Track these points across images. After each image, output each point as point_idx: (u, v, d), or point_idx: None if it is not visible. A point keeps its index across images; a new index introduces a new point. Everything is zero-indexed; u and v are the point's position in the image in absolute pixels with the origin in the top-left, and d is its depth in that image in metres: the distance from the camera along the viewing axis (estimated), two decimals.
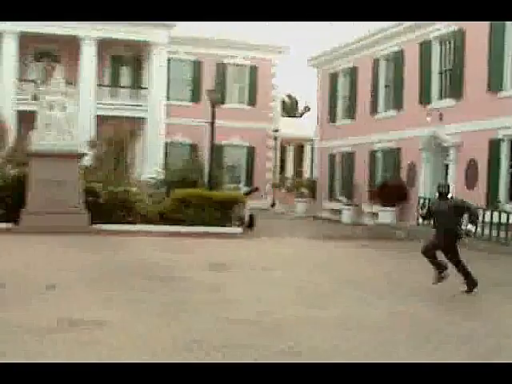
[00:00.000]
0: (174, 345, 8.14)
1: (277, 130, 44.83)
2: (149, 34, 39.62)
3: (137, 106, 40.78)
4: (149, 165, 38.17)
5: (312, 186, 39.52)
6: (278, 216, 36.84)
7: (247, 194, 29.74)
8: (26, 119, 33.92)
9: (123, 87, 42.44)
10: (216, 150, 31.14)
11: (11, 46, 38.38)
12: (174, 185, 27.35)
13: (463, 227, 12.75)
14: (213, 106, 28.88)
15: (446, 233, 12.64)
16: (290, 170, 49.05)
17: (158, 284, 12.60)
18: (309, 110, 61.82)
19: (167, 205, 25.16)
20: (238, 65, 44.09)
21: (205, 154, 35.68)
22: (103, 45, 39.63)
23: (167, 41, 40.06)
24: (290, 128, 47.14)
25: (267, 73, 44.49)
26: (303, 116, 65.67)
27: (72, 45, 39.49)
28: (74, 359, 7.29)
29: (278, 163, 46.33)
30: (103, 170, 27.74)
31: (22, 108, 37.16)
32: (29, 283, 12.23)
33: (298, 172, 49.26)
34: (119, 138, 31.31)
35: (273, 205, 42.80)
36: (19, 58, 38.97)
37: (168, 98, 40.90)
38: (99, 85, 40.38)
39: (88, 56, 39.24)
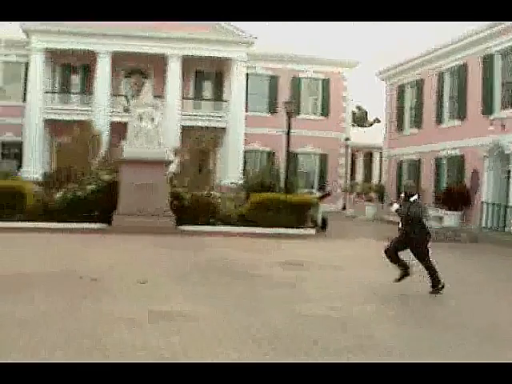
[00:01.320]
0: (254, 337, 8.14)
1: (348, 139, 44.59)
2: (229, 51, 39.96)
3: (218, 117, 41.10)
4: (229, 171, 38.46)
5: (380, 191, 39.17)
6: (349, 219, 36.57)
7: (320, 198, 29.59)
8: (118, 129, 34.55)
9: (206, 100, 42.84)
10: (291, 157, 31.08)
11: (105, 64, 39.17)
12: (252, 189, 27.38)
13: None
14: (289, 117, 28.84)
15: (413, 236, 12.10)
16: (359, 176, 48.73)
17: (238, 281, 12.63)
18: (379, 121, 61.21)
19: (246, 208, 25.23)
20: (311, 78, 43.99)
21: (281, 161, 35.71)
22: (188, 61, 40.09)
23: (246, 57, 40.30)
24: (359, 137, 46.88)
25: (338, 85, 44.27)
26: (372, 126, 65.07)
27: (159, 62, 40.09)
28: (162, 349, 7.38)
29: (349, 169, 46.06)
30: (188, 176, 28.00)
31: (114, 119, 37.89)
32: (121, 278, 12.41)
33: (367, 178, 48.86)
34: (202, 147, 31.57)
35: (344, 208, 42.52)
36: (112, 75, 39.72)
37: (247, 110, 41.10)
38: (184, 97, 40.85)
39: (174, 72, 39.75)
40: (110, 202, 23.63)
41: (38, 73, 38.90)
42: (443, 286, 11.98)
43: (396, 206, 12.76)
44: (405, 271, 12.24)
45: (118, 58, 39.54)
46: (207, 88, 43.46)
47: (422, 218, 12.12)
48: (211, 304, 10.16)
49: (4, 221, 23.26)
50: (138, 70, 41.94)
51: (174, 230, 22.83)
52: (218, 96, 42.87)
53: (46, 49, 39.01)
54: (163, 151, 24.75)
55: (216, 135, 35.47)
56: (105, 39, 38.51)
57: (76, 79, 42.25)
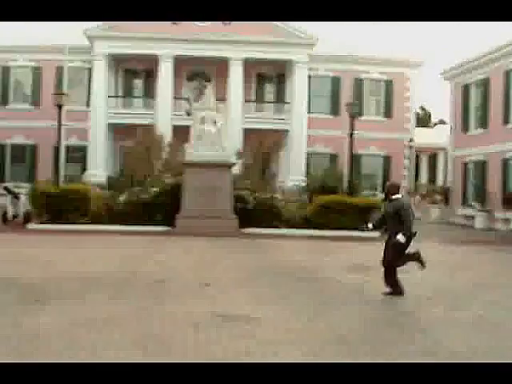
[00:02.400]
0: (320, 339, 8.07)
1: (412, 140, 44.05)
2: (291, 53, 39.94)
3: (280, 119, 41.08)
4: (292, 173, 38.41)
5: (445, 193, 38.61)
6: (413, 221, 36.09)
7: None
8: (180, 133, 34.81)
9: (268, 102, 42.87)
10: (354, 159, 30.85)
11: (167, 68, 39.58)
12: (315, 191, 27.30)
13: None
14: (352, 118, 28.66)
15: (391, 236, 11.49)
16: (423, 178, 48.07)
17: (302, 283, 12.56)
18: (443, 122, 60.32)
19: (310, 210, 25.16)
20: (373, 79, 43.63)
21: (343, 163, 35.51)
22: (249, 64, 40.20)
23: (308, 59, 40.22)
24: (423, 138, 46.20)
25: (402, 86, 43.78)
26: (436, 127, 64.16)
27: (221, 65, 40.31)
28: (227, 352, 7.36)
29: (413, 171, 45.50)
30: (250, 179, 28.05)
31: (176, 123, 38.19)
32: (186, 280, 12.47)
33: (432, 179, 48.19)
34: (264, 149, 31.59)
35: None
36: (174, 79, 40.11)
37: (309, 112, 41.00)
38: (246, 100, 40.96)
39: (236, 74, 39.91)
40: (174, 204, 23.85)
41: (102, 78, 39.55)
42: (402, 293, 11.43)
43: (370, 225, 12.49)
44: (419, 261, 11.76)
45: (180, 62, 39.93)
46: (269, 90, 43.51)
47: (402, 214, 11.29)
48: (275, 306, 10.12)
49: (70, 223, 23.76)
50: (200, 74, 42.27)
51: (237, 233, 22.90)
52: (280, 98, 42.86)
53: (109, 54, 39.64)
54: (226, 154, 24.86)
55: (278, 138, 35.44)
56: (167, 43, 38.92)
57: (139, 83, 42.80)
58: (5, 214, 26.35)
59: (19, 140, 42.05)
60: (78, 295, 10.61)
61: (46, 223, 24.33)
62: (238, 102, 39.84)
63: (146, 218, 24.19)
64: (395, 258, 11.42)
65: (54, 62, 40.11)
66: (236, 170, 27.28)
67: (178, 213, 23.71)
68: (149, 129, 33.01)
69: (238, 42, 39.10)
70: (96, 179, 34.16)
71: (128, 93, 42.68)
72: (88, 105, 40.26)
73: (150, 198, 24.59)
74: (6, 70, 42.44)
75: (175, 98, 40.50)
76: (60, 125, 27.10)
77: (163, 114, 39.00)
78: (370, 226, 12.44)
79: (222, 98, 35.69)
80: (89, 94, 40.56)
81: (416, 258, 11.78)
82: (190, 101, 39.21)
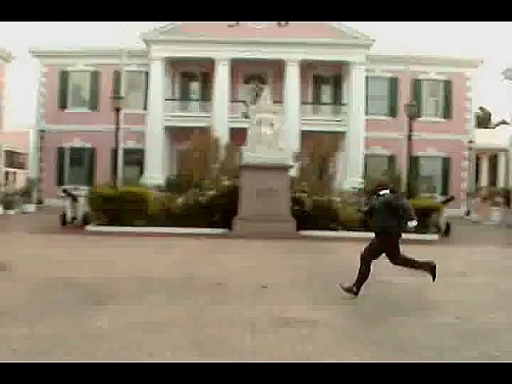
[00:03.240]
0: (377, 344, 7.95)
1: (472, 141, 43.43)
2: (348, 54, 39.78)
3: (337, 121, 40.94)
4: (349, 175, 38.24)
5: (507, 195, 37.87)
6: (473, 224, 35.57)
7: (444, 202, 28.88)
8: (237, 135, 34.93)
9: (324, 104, 42.75)
10: (412, 161, 30.50)
11: (224, 71, 39.78)
12: (373, 194, 27.05)
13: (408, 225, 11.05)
14: (410, 120, 28.34)
15: (378, 231, 11.27)
16: (484, 180, 47.31)
17: (364, 287, 12.43)
18: (505, 123, 59.23)
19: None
20: (432, 79, 43.15)
21: (401, 165, 35.16)
22: (306, 66, 40.14)
23: (365, 60, 39.97)
24: (483, 139, 45.46)
25: (461, 86, 43.22)
26: (497, 127, 63.05)
27: (278, 67, 40.37)
28: (284, 355, 7.30)
29: (473, 173, 44.82)
30: (308, 181, 27.96)
31: (233, 125, 38.37)
32: (243, 283, 12.45)
33: (493, 181, 47.39)
34: (321, 151, 31.46)
35: (468, 213, 41.37)
36: (231, 81, 40.28)
37: (366, 113, 40.74)
38: (303, 102, 40.90)
39: (292, 77, 39.93)
40: (231, 207, 23.90)
41: (159, 81, 39.98)
42: (356, 293, 11.14)
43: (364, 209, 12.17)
44: (430, 268, 11.57)
45: (236, 65, 40.11)
46: (326, 92, 43.40)
47: (403, 204, 11.12)
48: (333, 310, 10.02)
49: (128, 225, 23.99)
50: (256, 76, 42.39)
51: (294, 235, 22.82)
52: (336, 100, 42.72)
53: (166, 57, 40.01)
54: (283, 156, 24.80)
55: (335, 139, 35.26)
56: (223, 46, 39.13)
57: (195, 86, 43.15)
58: (64, 216, 26.75)
59: (78, 143, 42.85)
60: (136, 296, 10.68)
61: (104, 225, 24.62)
62: (295, 104, 39.84)
63: (203, 221, 24.30)
64: (394, 250, 11.33)
65: (111, 66, 40.77)
66: (293, 172, 27.20)
67: (235, 215, 23.75)
68: (205, 131, 33.20)
69: (294, 43, 39.09)
70: (153, 182, 34.49)
71: (185, 96, 43.05)
72: (145, 108, 40.70)
73: (207, 201, 24.71)
74: (65, 74, 43.28)
75: (232, 100, 40.66)
76: (118, 128, 27.43)
77: (220, 117, 39.21)
78: (363, 210, 12.22)
79: (278, 100, 35.69)
80: (146, 97, 41.06)
81: (429, 268, 11.63)
82: (246, 103, 39.33)
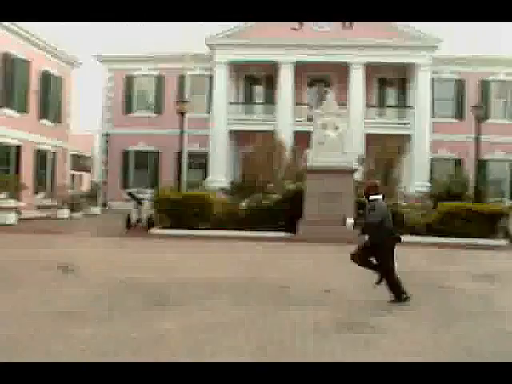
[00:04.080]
0: (445, 351, 7.81)
1: None
2: (414, 56, 39.33)
3: (403, 124, 40.49)
4: (415, 179, 37.78)
5: None
6: None
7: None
8: (301, 139, 34.92)
9: (389, 107, 42.36)
10: (480, 164, 29.97)
11: (288, 74, 39.77)
12: (439, 198, 26.69)
13: None
14: (478, 122, 27.86)
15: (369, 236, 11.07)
16: None
17: (428, 293, 12.25)
18: None
19: (434, 217, 24.58)
20: (501, 81, 42.28)
21: (469, 169, 34.61)
22: (370, 68, 39.85)
23: (430, 62, 39.47)
24: None
25: None
26: None
27: (342, 70, 40.16)
28: (349, 360, 7.25)
29: None
30: None
31: (297, 128, 38.34)
32: (307, 286, 12.40)
33: None
34: (386, 155, 31.18)
35: None
36: (295, 85, 40.25)
37: (433, 116, 40.22)
38: (367, 105, 40.63)
39: (356, 79, 39.68)
40: (295, 210, 23.87)
41: (222, 85, 40.17)
42: (408, 298, 10.92)
43: (350, 221, 11.85)
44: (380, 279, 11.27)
45: (300, 68, 40.05)
46: (391, 95, 42.98)
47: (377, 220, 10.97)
48: (399, 316, 9.91)
49: (192, 229, 24.18)
50: (320, 79, 42.26)
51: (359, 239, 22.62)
52: (402, 103, 42.27)
53: (230, 61, 40.20)
54: (348, 160, 24.66)
55: (401, 143, 34.91)
56: (287, 49, 39.13)
57: (259, 90, 43.23)
58: (128, 219, 27.11)
59: (142, 147, 43.39)
60: (200, 299, 10.75)
61: (168, 228, 24.85)
62: (359, 107, 39.59)
63: (267, 224, 24.33)
64: (385, 258, 11.11)
65: (175, 70, 41.24)
66: (358, 175, 27.01)
67: (299, 219, 23.71)
68: (269, 135, 33.25)
69: (358, 46, 38.86)
70: (217, 185, 34.69)
71: (248, 99, 43.19)
72: (209, 112, 40.98)
73: (271, 204, 24.73)
74: (130, 79, 43.88)
75: (296, 103, 40.64)
76: (182, 132, 27.67)
77: (284, 120, 39.22)
78: (350, 221, 11.98)
79: (343, 103, 35.49)
80: (210, 100, 41.32)
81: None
82: (310, 106, 39.25)
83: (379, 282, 11.24)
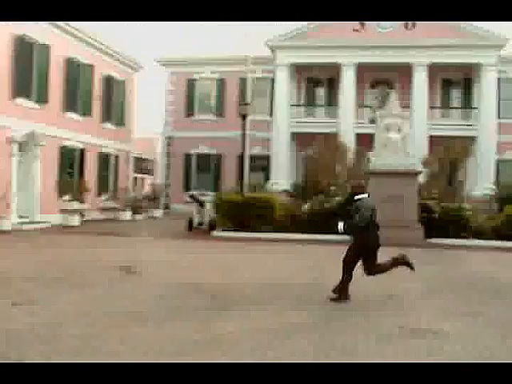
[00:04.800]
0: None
1: None
2: (479, 56, 38.66)
3: (467, 125, 39.87)
4: (480, 181, 37.13)
5: None
6: None
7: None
8: (363, 141, 34.74)
9: (454, 108, 41.77)
10: None
11: (350, 76, 39.57)
12: (506, 201, 26.21)
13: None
14: None
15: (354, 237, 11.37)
16: None
17: (493, 296, 12.04)
18: None
19: (500, 220, 24.14)
20: None
21: None
22: (433, 69, 39.37)
23: (496, 61, 38.76)
24: None
25: None
26: None
27: (405, 71, 39.77)
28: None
29: None
30: (436, 187, 27.37)
31: (359, 131, 38.14)
32: (369, 292, 12.29)
33: None
34: (451, 157, 30.77)
35: None
36: (357, 86, 40.02)
37: (499, 117, 39.48)
38: (431, 107, 40.16)
39: (420, 80, 39.25)
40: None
41: (284, 87, 40.19)
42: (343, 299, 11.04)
43: (340, 224, 11.73)
44: (407, 264, 11.57)
45: (362, 69, 39.80)
46: (455, 96, 42.37)
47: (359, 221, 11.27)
48: (464, 321, 9.74)
49: (253, 231, 24.24)
50: (383, 80, 41.94)
51: (422, 243, 22.39)
52: (466, 104, 41.64)
53: (291, 63, 40.20)
54: (411, 162, 24.40)
55: (465, 144, 34.40)
56: (349, 51, 38.95)
57: (321, 92, 43.13)
58: (190, 221, 27.32)
59: (204, 150, 43.74)
60: (262, 302, 10.77)
61: (229, 231, 24.97)
62: (423, 109, 39.14)
63: (329, 227, 24.20)
64: (349, 258, 11.30)
65: (237, 73, 41.43)
66: (421, 178, 26.70)
67: None
68: (332, 137, 33.14)
69: (421, 46, 38.42)
70: (279, 187, 34.74)
71: (310, 101, 43.11)
72: (271, 114, 41.05)
73: (333, 207, 24.62)
74: (192, 82, 44.30)
75: (358, 105, 40.41)
76: (244, 134, 27.79)
77: (346, 122, 39.04)
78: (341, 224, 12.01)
79: (405, 104, 35.13)
80: (271, 103, 41.39)
81: (402, 261, 11.58)
82: (373, 108, 38.99)
83: (411, 267, 11.61)
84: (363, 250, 11.26)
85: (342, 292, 11.12)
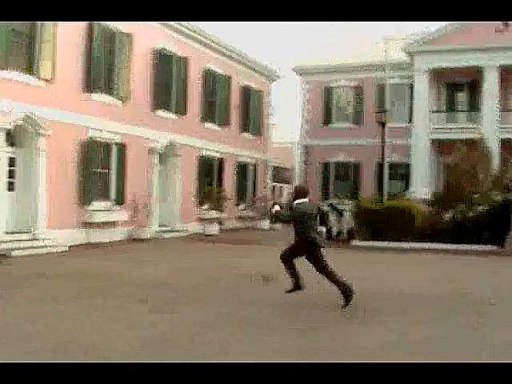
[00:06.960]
0: None
1: None
2: None
3: None
4: None
5: None
6: None
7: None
8: (509, 146, 33.78)
9: None
10: None
11: (492, 79, 38.49)
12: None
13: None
14: None
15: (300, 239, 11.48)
16: None
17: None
18: None
19: None
20: None
21: None
22: None
23: None
24: None
25: None
26: None
27: None
28: None
29: None
30: None
31: (504, 136, 37.07)
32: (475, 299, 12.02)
33: None
34: None
35: None
36: (500, 89, 38.90)
37: None
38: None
39: None
40: (502, 223, 23.09)
41: (423, 93, 39.61)
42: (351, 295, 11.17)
43: (276, 207, 11.77)
44: (296, 283, 11.75)
45: (506, 71, 38.64)
46: None
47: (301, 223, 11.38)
48: None
49: (393, 241, 24.08)
50: None
51: None
52: None
53: (430, 68, 39.60)
54: None
55: None
56: (491, 53, 37.92)
57: (461, 96, 42.20)
58: (329, 230, 27.43)
59: (342, 158, 43.73)
60: (403, 314, 10.76)
61: (368, 240, 24.90)
62: None
63: (471, 237, 23.72)
64: (287, 253, 11.74)
65: (373, 80, 41.24)
66: None
67: (507, 232, 22.91)
68: (474, 143, 32.44)
69: None
70: (419, 196, 34.28)
71: (450, 107, 42.27)
72: (409, 121, 40.59)
73: (476, 216, 24.09)
74: (329, 90, 44.46)
75: (502, 109, 39.27)
76: (383, 142, 27.67)
77: (489, 127, 37.96)
78: (277, 207, 11.75)
79: None
80: (410, 110, 40.91)
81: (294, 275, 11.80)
82: None
83: (291, 291, 11.85)
84: (299, 247, 11.61)
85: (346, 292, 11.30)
